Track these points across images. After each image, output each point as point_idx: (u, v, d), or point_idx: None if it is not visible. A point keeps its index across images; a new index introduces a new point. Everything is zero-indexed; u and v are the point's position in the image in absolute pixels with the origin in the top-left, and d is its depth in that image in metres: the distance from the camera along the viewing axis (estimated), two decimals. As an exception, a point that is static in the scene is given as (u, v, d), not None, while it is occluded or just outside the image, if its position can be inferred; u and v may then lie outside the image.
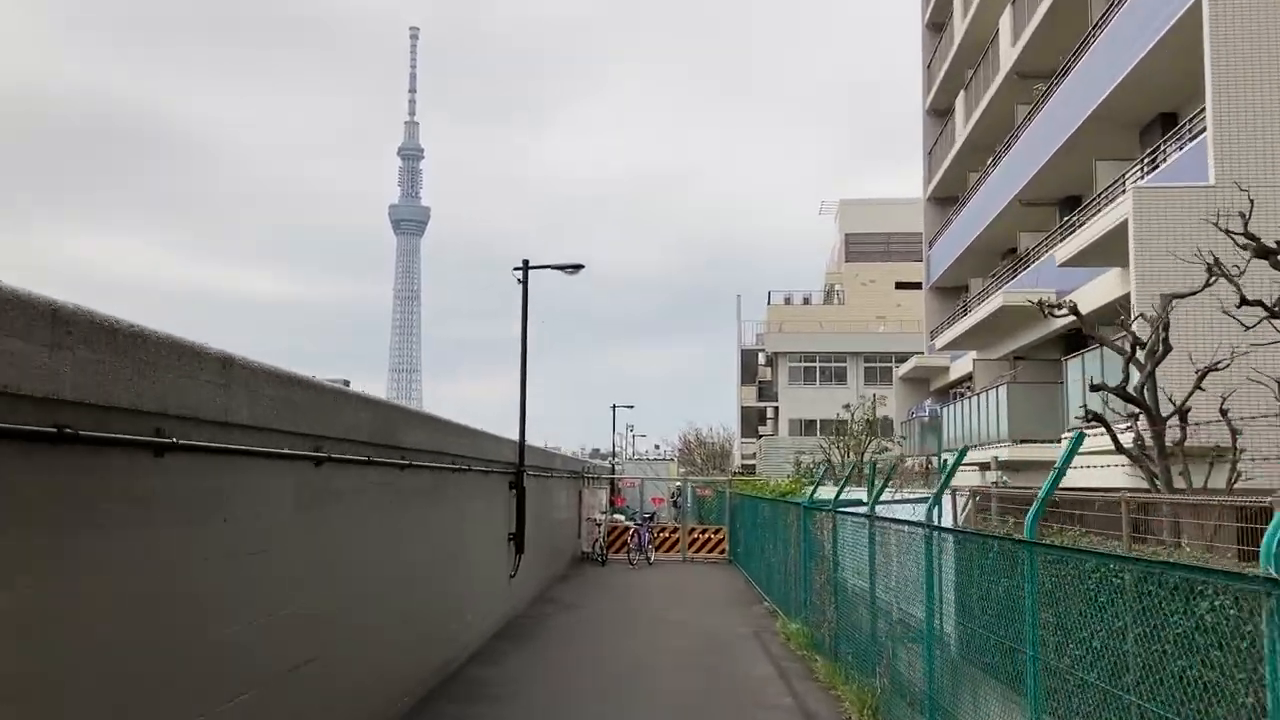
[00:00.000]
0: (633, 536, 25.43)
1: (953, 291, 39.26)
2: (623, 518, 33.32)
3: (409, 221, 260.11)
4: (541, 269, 16.17)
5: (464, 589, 12.65)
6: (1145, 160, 20.56)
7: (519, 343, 16.01)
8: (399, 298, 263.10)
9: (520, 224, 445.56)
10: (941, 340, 31.94)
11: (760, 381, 69.87)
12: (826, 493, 23.54)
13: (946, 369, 35.80)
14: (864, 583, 11.15)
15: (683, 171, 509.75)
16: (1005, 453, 23.90)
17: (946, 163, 36.82)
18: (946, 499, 13.93)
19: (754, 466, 63.23)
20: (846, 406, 30.22)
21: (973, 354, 32.07)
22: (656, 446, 70.95)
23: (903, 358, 64.19)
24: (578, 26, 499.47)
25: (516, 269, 15.68)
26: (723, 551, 27.28)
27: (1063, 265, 20.52)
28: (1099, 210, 20.79)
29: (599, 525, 25.82)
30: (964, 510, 16.98)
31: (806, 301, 75.54)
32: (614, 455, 47.43)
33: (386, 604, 9.14)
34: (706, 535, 27.35)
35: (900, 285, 73.07)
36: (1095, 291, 20.51)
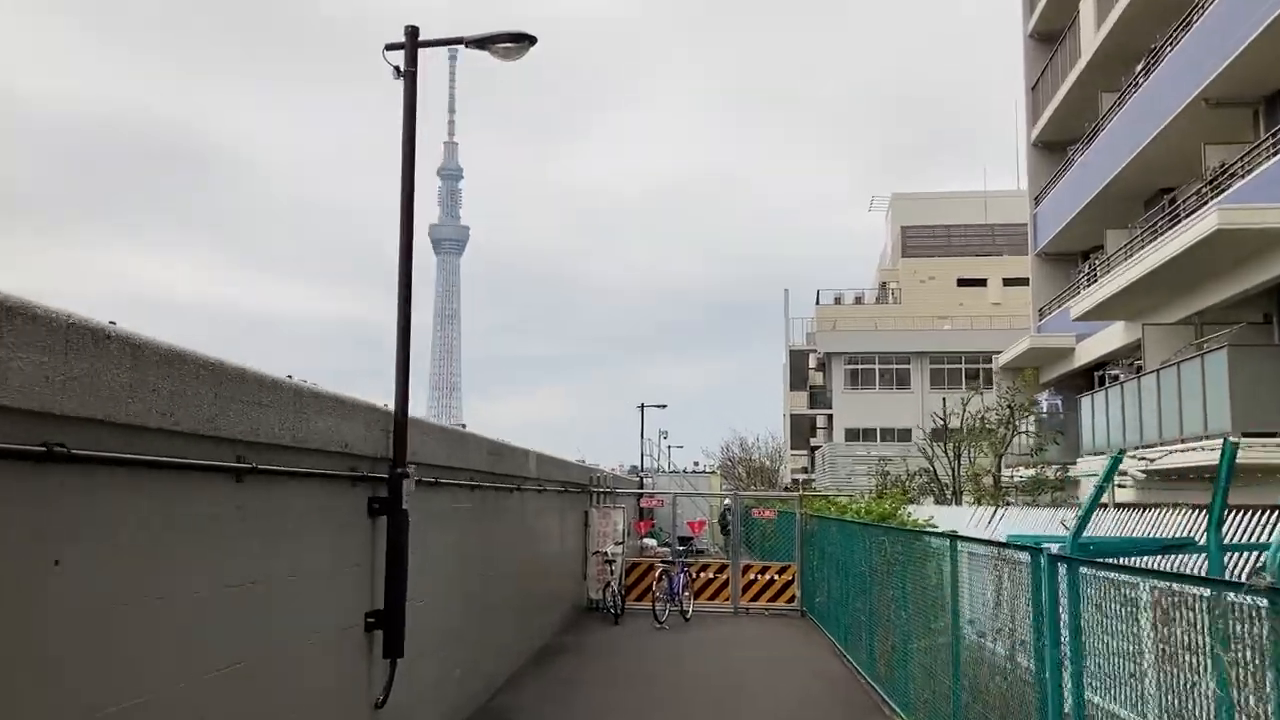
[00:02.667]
0: (659, 579, 16.77)
1: (1066, 258, 30.36)
2: (654, 542, 24.59)
3: (449, 241, 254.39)
4: (441, 44, 7.84)
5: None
6: None
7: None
8: (439, 317, 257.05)
9: (560, 240, 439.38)
10: (1079, 308, 23.12)
11: (811, 387, 60.97)
12: (951, 520, 15.43)
13: (1070, 351, 26.90)
14: None
15: (723, 182, 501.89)
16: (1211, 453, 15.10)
17: (1061, 92, 28.04)
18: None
19: (804, 481, 54.32)
20: (962, 400, 21.39)
21: (1121, 324, 23.23)
22: (696, 464, 62.01)
23: (975, 358, 55.44)
24: (616, 37, 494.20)
25: (393, 46, 7.32)
26: (791, 600, 18.59)
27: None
28: None
29: (611, 562, 17.21)
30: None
31: (859, 301, 66.74)
32: (641, 466, 38.61)
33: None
34: (768, 575, 18.67)
35: (963, 282, 64.27)
36: None
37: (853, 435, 53.04)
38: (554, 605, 15.45)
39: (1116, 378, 22.05)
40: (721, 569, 18.86)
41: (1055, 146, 30.28)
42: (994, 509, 14.61)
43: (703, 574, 18.68)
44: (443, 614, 8.62)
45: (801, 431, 62.19)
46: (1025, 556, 6.37)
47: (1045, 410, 25.53)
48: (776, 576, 18.65)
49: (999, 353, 52.62)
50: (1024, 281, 63.47)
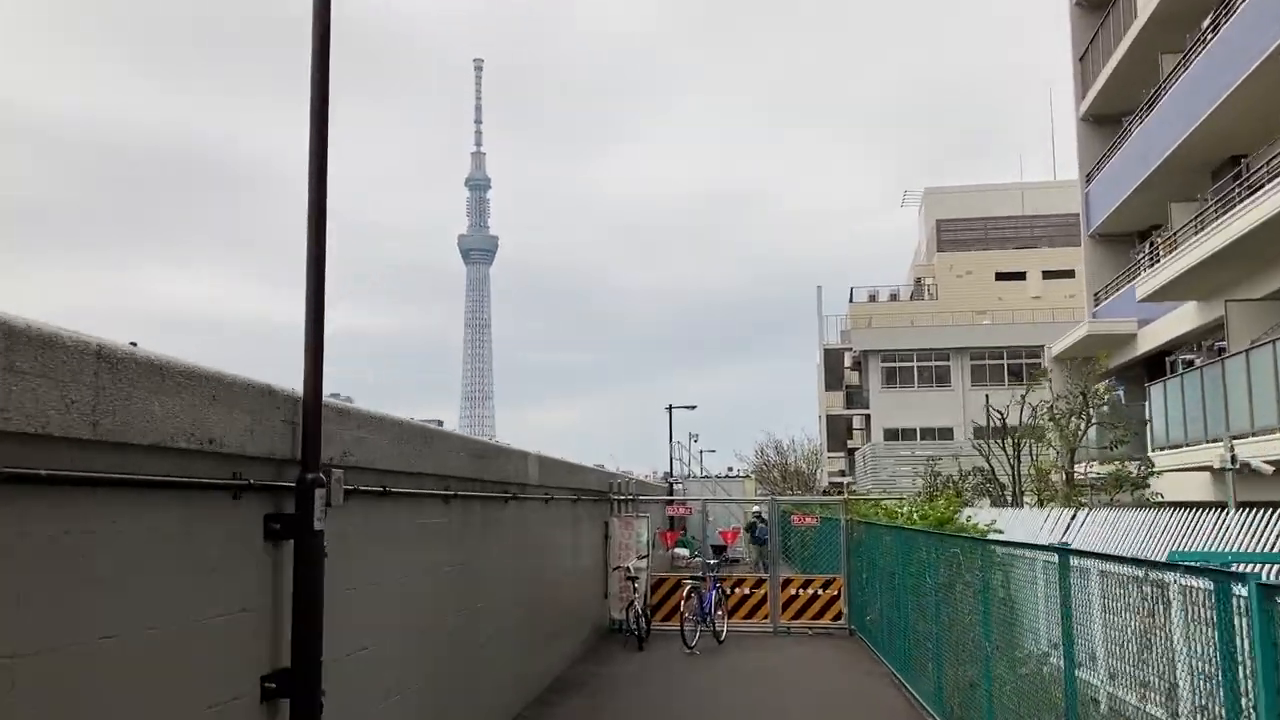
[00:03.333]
0: (688, 598, 14.68)
1: (1122, 240, 28.04)
2: (686, 552, 22.54)
3: (478, 251, 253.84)
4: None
5: None
6: None
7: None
8: (469, 326, 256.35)
9: (591, 249, 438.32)
10: (1145, 288, 20.87)
11: (848, 387, 58.62)
12: (1020, 525, 13.43)
13: (1131, 338, 24.59)
14: None
15: (754, 191, 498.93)
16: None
17: (1115, 59, 25.77)
18: None
19: (845, 485, 52.02)
20: (1022, 394, 19.10)
21: (1193, 304, 20.95)
22: (731, 469, 59.66)
23: (1017, 352, 52.94)
24: (643, 47, 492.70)
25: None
26: (838, 617, 16.47)
27: None
28: None
29: (634, 578, 15.14)
30: None
31: (894, 298, 64.43)
32: (671, 471, 36.42)
33: None
34: (811, 590, 16.56)
35: (1001, 276, 61.87)
36: None
37: (891, 435, 50.73)
38: (569, 630, 13.45)
39: (1191, 363, 19.80)
40: (758, 584, 16.74)
41: (1107, 120, 28.00)
42: (1071, 511, 12.46)
43: (737, 590, 16.57)
44: (401, 662, 6.64)
45: (838, 433, 59.89)
46: (1205, 583, 4.31)
47: (1123, 398, 23.22)
48: (820, 591, 16.53)
49: (1043, 347, 50.25)
50: (1066, 274, 61.15)
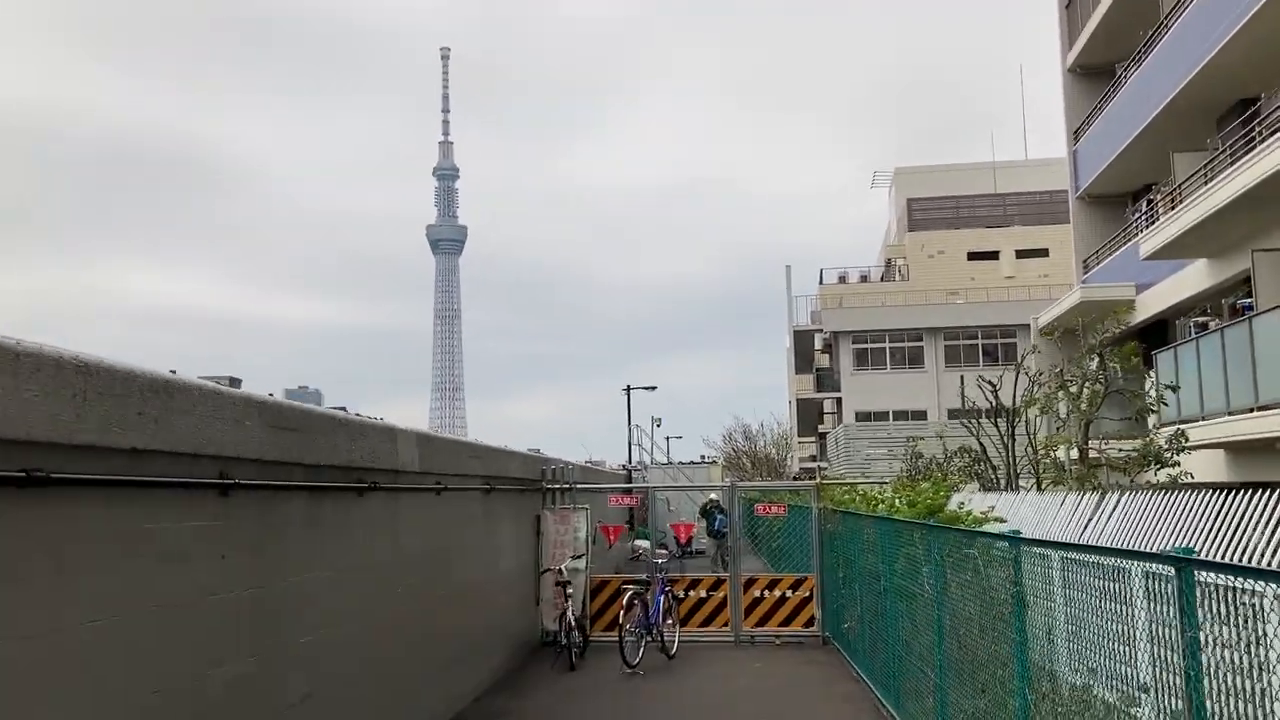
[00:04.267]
0: (629, 606, 12.00)
1: (1114, 201, 25.63)
2: (647, 544, 19.94)
3: (447, 241, 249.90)
4: None
5: None
6: None
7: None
8: (439, 317, 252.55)
9: (558, 239, 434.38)
10: (1151, 244, 18.41)
11: (818, 369, 56.18)
12: (1027, 512, 10.99)
13: (1130, 304, 22.16)
14: None
15: (728, 179, 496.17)
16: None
17: (1106, 1, 23.30)
18: None
19: (816, 471, 49.58)
20: (1017, 365, 16.57)
21: (1203, 262, 18.52)
22: (703, 457, 56.85)
23: (992, 332, 50.75)
24: (611, 37, 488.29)
25: None
26: (810, 622, 13.89)
27: None
28: None
29: (565, 583, 12.43)
30: None
31: (865, 279, 62.19)
32: (630, 458, 33.50)
33: None
34: (778, 591, 13.97)
35: (974, 256, 59.75)
36: None
37: (864, 418, 48.31)
38: (479, 652, 10.79)
39: (1205, 326, 17.35)
40: (717, 585, 14.12)
41: (1097, 72, 25.56)
42: (1093, 494, 9.93)
43: (692, 592, 13.94)
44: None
45: (809, 418, 57.43)
46: None
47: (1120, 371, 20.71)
48: (790, 592, 13.91)
49: (1019, 326, 48.03)
50: (1040, 253, 59.00)
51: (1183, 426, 12.59)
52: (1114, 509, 8.76)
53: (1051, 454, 13.28)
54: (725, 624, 13.92)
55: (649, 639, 12.19)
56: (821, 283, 58.88)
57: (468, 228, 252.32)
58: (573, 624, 12.16)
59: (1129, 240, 23.22)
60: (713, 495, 20.52)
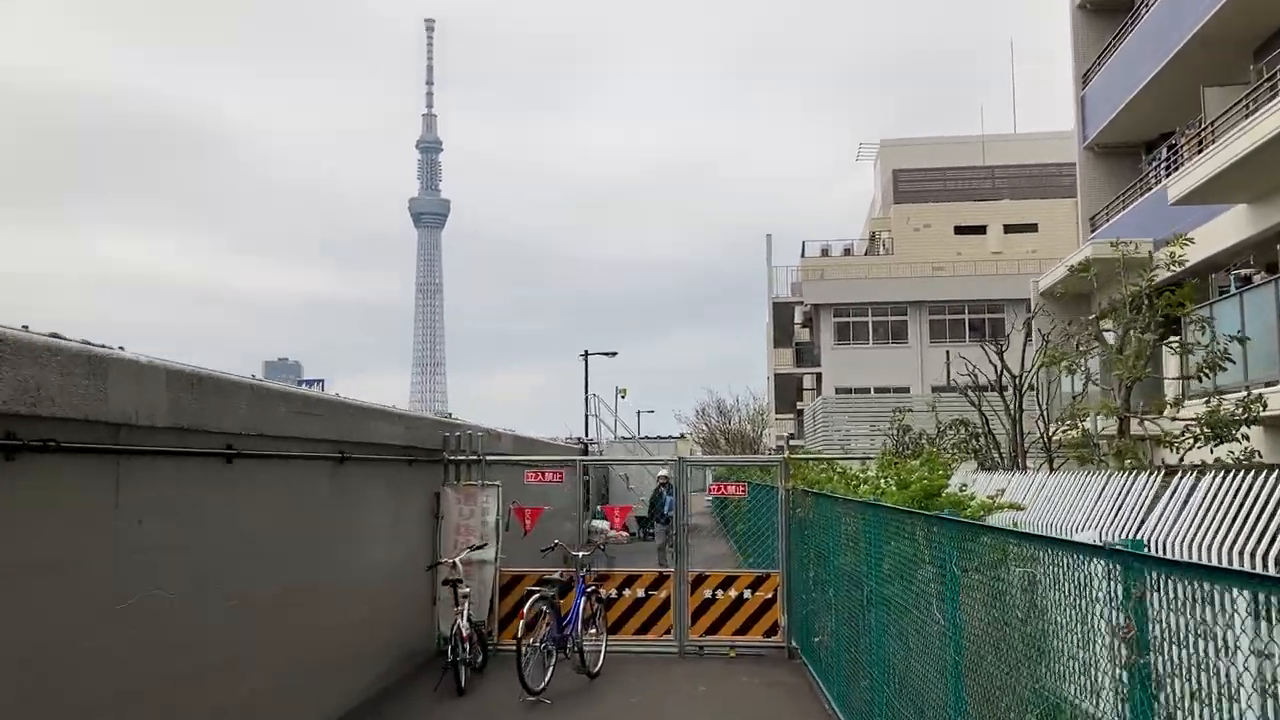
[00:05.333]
0: (534, 622, 9.07)
1: (1126, 151, 22.80)
2: (605, 525, 17.02)
3: (429, 215, 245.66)
4: None
5: None
6: None
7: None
8: (421, 291, 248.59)
9: (541, 214, 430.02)
10: (1181, 187, 15.62)
11: (798, 344, 53.44)
12: (1053, 499, 8.98)
13: (1143, 261, 19.35)
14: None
15: (707, 160, 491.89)
16: None
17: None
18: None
19: (792, 448, 46.90)
20: (1025, 322, 13.79)
21: (1242, 208, 15.74)
22: (683, 435, 53.94)
23: (980, 307, 48.11)
24: (599, 13, 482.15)
25: None
26: (772, 630, 11.07)
27: None
28: None
29: (456, 581, 9.54)
30: None
31: (848, 252, 59.20)
32: (586, 431, 30.52)
33: None
34: (734, 590, 11.13)
35: (960, 230, 56.96)
36: None
37: (844, 394, 45.67)
38: (330, 677, 7.96)
39: (1248, 280, 14.61)
40: (659, 582, 11.29)
41: (1110, 8, 22.69)
42: (1155, 476, 7.15)
43: (627, 591, 11.11)
44: None
45: (787, 394, 54.64)
46: None
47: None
48: (749, 593, 11.09)
49: (1012, 300, 45.34)
50: (1029, 228, 56.10)
51: (1251, 391, 9.76)
52: (1209, 497, 5.97)
53: (1079, 424, 10.46)
54: (668, 631, 11.08)
55: (563, 654, 9.35)
56: (804, 255, 55.95)
57: (450, 201, 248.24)
58: (465, 633, 9.29)
59: (1145, 192, 20.45)
60: (662, 472, 17.56)
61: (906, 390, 45.68)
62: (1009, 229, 56.13)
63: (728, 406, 49.65)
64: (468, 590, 9.66)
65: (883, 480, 9.84)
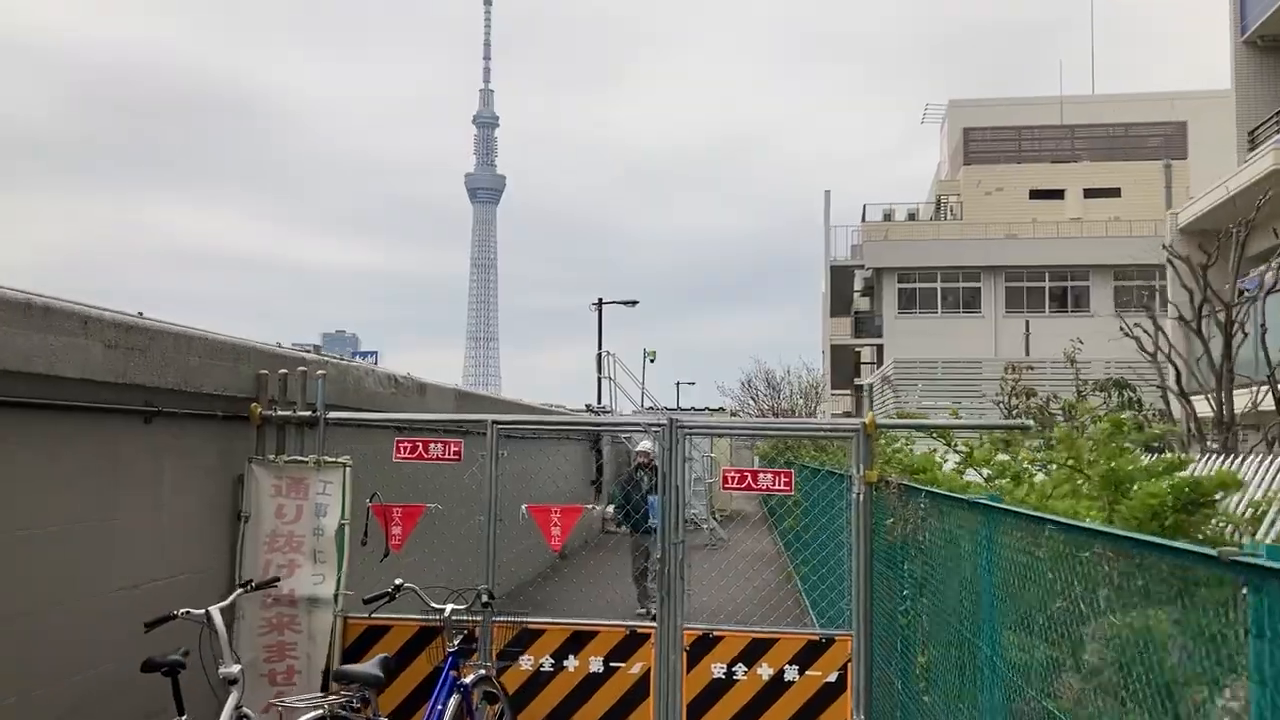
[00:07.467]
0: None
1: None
2: (612, 509, 11.61)
3: (485, 190, 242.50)
4: None
5: None
6: None
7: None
8: (476, 266, 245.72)
9: (597, 190, 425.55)
10: None
11: (857, 313, 47.76)
12: None
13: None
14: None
15: (764, 133, 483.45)
16: None
17: None
18: None
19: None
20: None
21: None
22: (722, 407, 48.50)
23: (1062, 274, 42.18)
24: None
25: None
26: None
27: None
28: None
29: (264, 633, 4.55)
30: None
31: (912, 217, 52.92)
32: (599, 399, 24.89)
33: None
34: (765, 668, 5.86)
35: (1036, 194, 50.79)
36: None
37: (913, 363, 40.11)
38: None
39: None
40: (630, 647, 5.96)
41: None
42: None
43: (571, 662, 5.87)
44: None
45: (844, 368, 48.94)
46: None
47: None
48: (795, 671, 5.88)
49: (1099, 267, 39.29)
50: (1111, 192, 49.47)
51: None
52: None
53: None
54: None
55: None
56: (865, 220, 50.02)
57: (506, 177, 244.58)
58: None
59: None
60: (644, 444, 11.69)
61: (978, 364, 40.09)
62: (1089, 193, 49.93)
63: (777, 379, 43.90)
64: (307, 638, 4.54)
65: (1079, 478, 4.57)
